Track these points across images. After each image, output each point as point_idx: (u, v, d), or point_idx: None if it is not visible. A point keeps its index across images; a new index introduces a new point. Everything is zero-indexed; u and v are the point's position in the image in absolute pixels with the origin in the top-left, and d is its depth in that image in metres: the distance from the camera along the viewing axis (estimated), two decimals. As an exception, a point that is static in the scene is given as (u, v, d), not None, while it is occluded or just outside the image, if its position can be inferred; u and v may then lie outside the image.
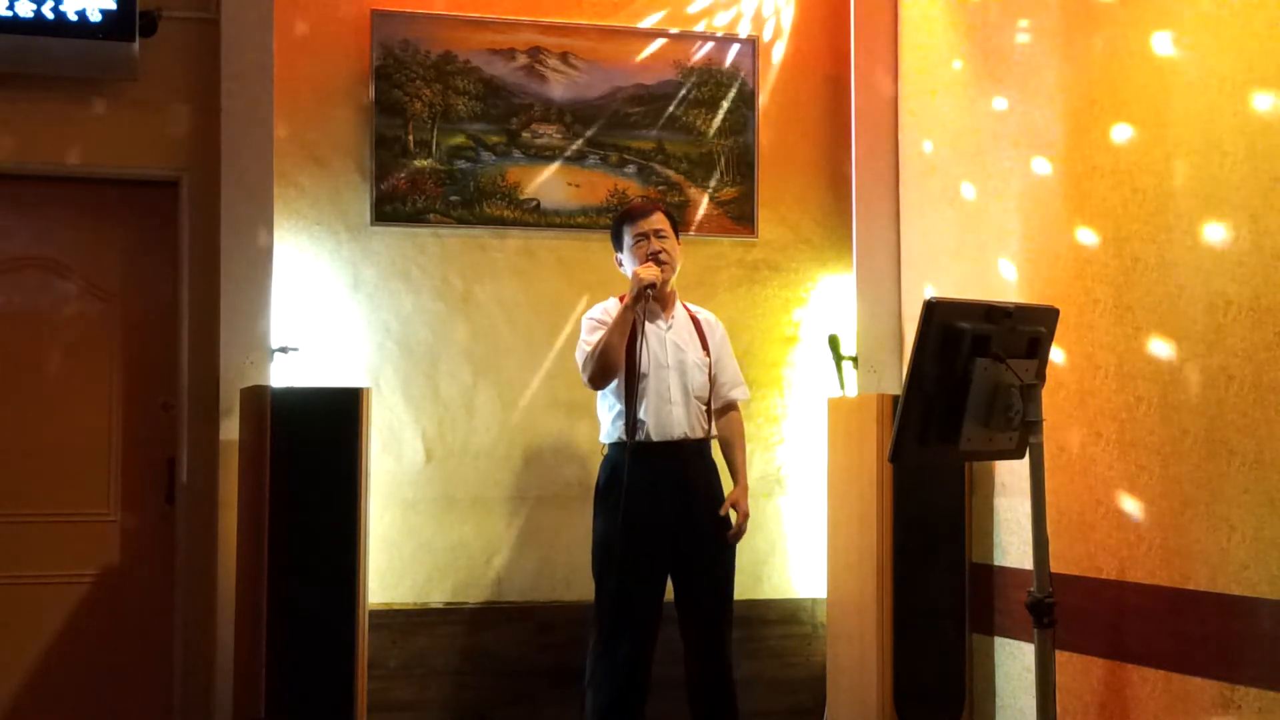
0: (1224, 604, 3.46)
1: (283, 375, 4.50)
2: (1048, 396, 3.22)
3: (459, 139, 4.89)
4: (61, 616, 4.53)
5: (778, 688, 5.01)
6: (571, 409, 4.86)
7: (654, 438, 4.11)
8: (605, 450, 4.22)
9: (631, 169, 5.04)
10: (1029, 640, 3.69)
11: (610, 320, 4.11)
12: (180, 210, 4.59)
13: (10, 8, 4.27)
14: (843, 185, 5.13)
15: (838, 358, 5.01)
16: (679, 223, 4.42)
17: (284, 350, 4.53)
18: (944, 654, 4.49)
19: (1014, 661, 4.40)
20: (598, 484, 4.21)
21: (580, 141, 4.99)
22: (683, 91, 5.09)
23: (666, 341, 4.19)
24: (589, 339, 4.13)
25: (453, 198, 4.87)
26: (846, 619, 4.63)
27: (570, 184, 4.98)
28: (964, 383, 2.97)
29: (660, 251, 4.15)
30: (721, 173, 5.12)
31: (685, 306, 4.34)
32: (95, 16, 4.33)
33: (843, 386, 5.00)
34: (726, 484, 4.26)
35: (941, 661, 4.49)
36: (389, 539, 4.74)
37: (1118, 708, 3.83)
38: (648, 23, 5.09)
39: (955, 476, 4.53)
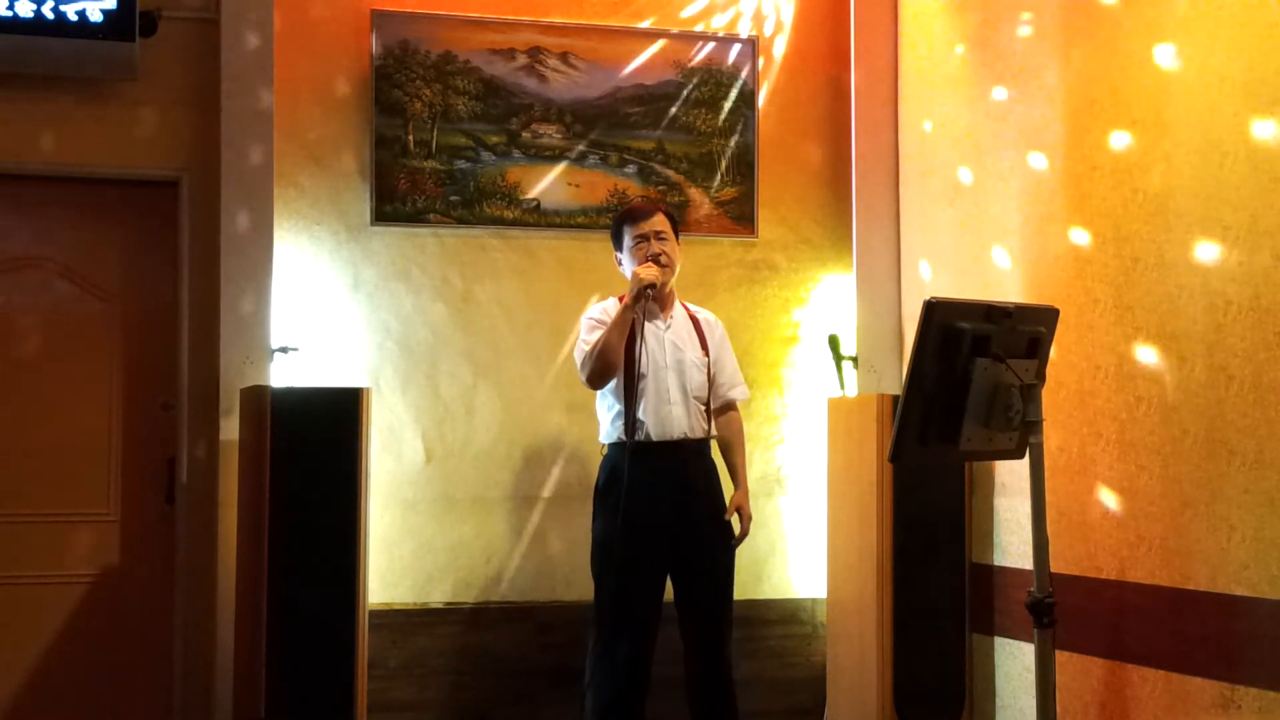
0: (1224, 604, 3.46)
1: (283, 375, 4.50)
2: (1048, 396, 3.22)
3: (459, 139, 4.89)
4: (61, 616, 4.53)
5: (778, 688, 5.01)
6: (571, 409, 4.86)
7: (653, 437, 4.11)
8: (605, 450, 4.22)
9: (631, 169, 5.04)
10: (1029, 640, 3.69)
11: (609, 320, 4.11)
12: (180, 210, 4.59)
13: (10, 8, 4.28)
14: (843, 185, 5.13)
15: (838, 358, 5.01)
16: (679, 223, 4.42)
17: (284, 350, 4.53)
18: (944, 654, 4.49)
19: (1014, 661, 4.40)
20: (597, 484, 4.21)
21: (580, 141, 4.99)
22: (683, 91, 5.09)
23: (665, 341, 4.19)
24: (588, 338, 4.13)
25: (453, 198, 4.87)
26: (846, 619, 4.63)
27: (570, 184, 4.98)
28: (964, 383, 2.97)
29: (660, 254, 4.15)
30: (721, 173, 5.12)
31: (685, 306, 4.34)
32: (95, 16, 4.33)
33: (843, 386, 5.00)
34: (726, 484, 4.26)
35: (941, 661, 4.49)
36: (389, 539, 4.74)
37: (1118, 708, 3.83)
38: (648, 23, 5.09)
39: (955, 476, 4.53)
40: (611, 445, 4.18)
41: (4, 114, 4.46)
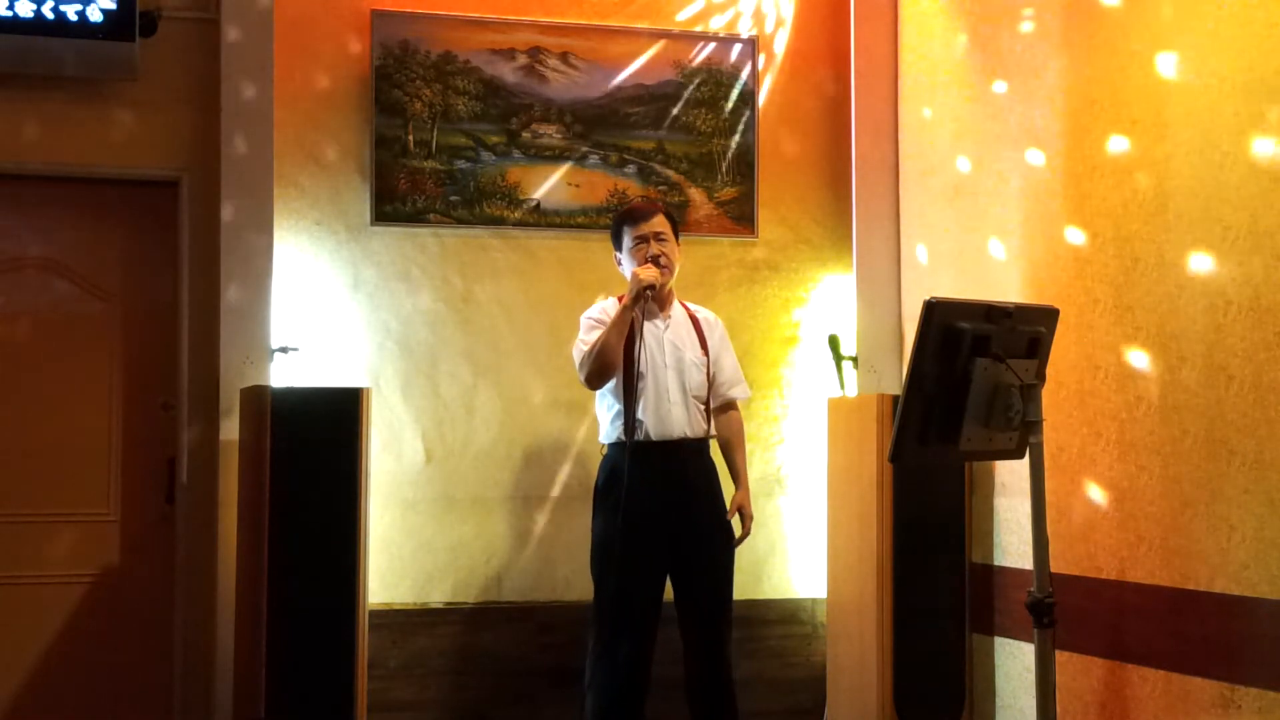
0: (1224, 604, 3.46)
1: (283, 375, 4.50)
2: (1048, 396, 3.22)
3: (459, 139, 4.89)
4: (61, 616, 4.53)
5: (778, 688, 5.01)
6: (571, 409, 4.86)
7: (653, 437, 4.10)
8: (604, 450, 4.22)
9: (631, 169, 5.04)
10: (1029, 640, 3.69)
11: (608, 320, 4.10)
12: (180, 210, 4.59)
13: (10, 8, 4.28)
14: (843, 185, 5.13)
15: (838, 358, 5.01)
16: (679, 223, 4.42)
17: (284, 350, 4.53)
18: (944, 654, 4.49)
19: (1014, 661, 4.40)
20: (597, 484, 4.21)
21: (580, 141, 4.99)
22: (683, 91, 5.09)
23: (664, 341, 4.19)
24: (586, 338, 4.13)
25: (453, 198, 4.87)
26: (846, 619, 4.63)
27: (570, 184, 4.98)
28: (964, 383, 2.97)
29: (660, 255, 4.15)
30: (721, 173, 5.12)
31: (684, 305, 4.34)
32: (95, 16, 4.33)
33: (843, 386, 5.00)
34: (726, 483, 4.26)
35: (941, 661, 4.49)
36: (389, 539, 4.74)
37: (1118, 708, 3.83)
38: (648, 23, 5.08)
39: (955, 476, 4.53)
40: (611, 445, 4.18)
41: (4, 114, 4.46)
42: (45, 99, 4.47)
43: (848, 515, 4.63)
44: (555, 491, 4.89)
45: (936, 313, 2.95)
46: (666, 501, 4.09)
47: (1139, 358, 3.79)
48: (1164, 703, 3.65)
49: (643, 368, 4.11)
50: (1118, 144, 3.89)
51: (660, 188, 5.05)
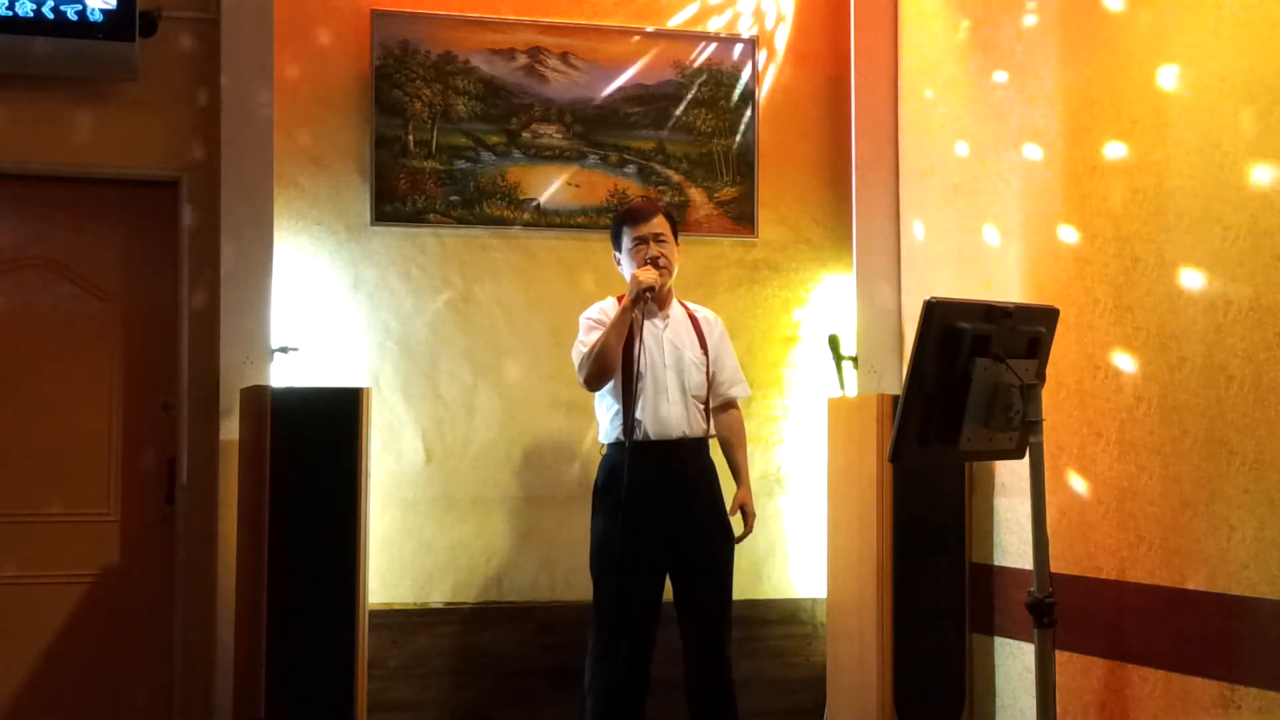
0: (1224, 604, 3.46)
1: (283, 375, 4.50)
2: (1048, 396, 3.22)
3: (459, 139, 4.89)
4: (61, 616, 4.53)
5: (778, 688, 5.01)
6: (571, 409, 4.86)
7: (652, 437, 4.10)
8: (604, 450, 4.22)
9: (631, 169, 5.04)
10: (1029, 640, 3.69)
11: (607, 321, 4.10)
12: (180, 210, 4.59)
13: (10, 8, 4.27)
14: (843, 185, 5.13)
15: (838, 358, 5.01)
16: (679, 223, 4.42)
17: (284, 350, 4.53)
18: (944, 654, 4.49)
19: (1014, 661, 4.40)
20: (596, 484, 4.21)
21: (580, 141, 4.99)
22: (683, 91, 5.09)
23: (664, 341, 4.19)
24: (586, 339, 4.13)
25: (453, 198, 4.87)
26: (846, 619, 4.63)
27: (570, 184, 4.98)
28: (964, 383, 2.97)
29: (659, 257, 4.15)
30: (721, 173, 5.12)
31: (684, 305, 4.34)
32: (95, 16, 4.33)
33: (843, 386, 5.00)
34: (725, 483, 4.26)
35: (941, 661, 4.49)
36: (389, 539, 4.74)
37: (1118, 708, 3.83)
38: (648, 23, 5.08)
39: (955, 476, 4.53)
40: (610, 445, 4.18)
41: (4, 114, 4.46)
42: (45, 99, 4.47)
43: (848, 515, 4.63)
44: (555, 491, 4.89)
45: (936, 313, 2.95)
46: (666, 501, 4.09)
47: (1139, 358, 3.79)
48: (1164, 703, 3.65)
49: (642, 368, 4.11)
50: (1118, 144, 3.89)
51: (660, 188, 5.05)
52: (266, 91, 4.56)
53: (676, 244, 4.26)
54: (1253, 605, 3.37)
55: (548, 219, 4.95)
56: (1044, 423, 3.03)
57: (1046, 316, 3.21)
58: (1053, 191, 4.18)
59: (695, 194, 5.10)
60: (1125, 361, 3.84)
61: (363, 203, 4.80)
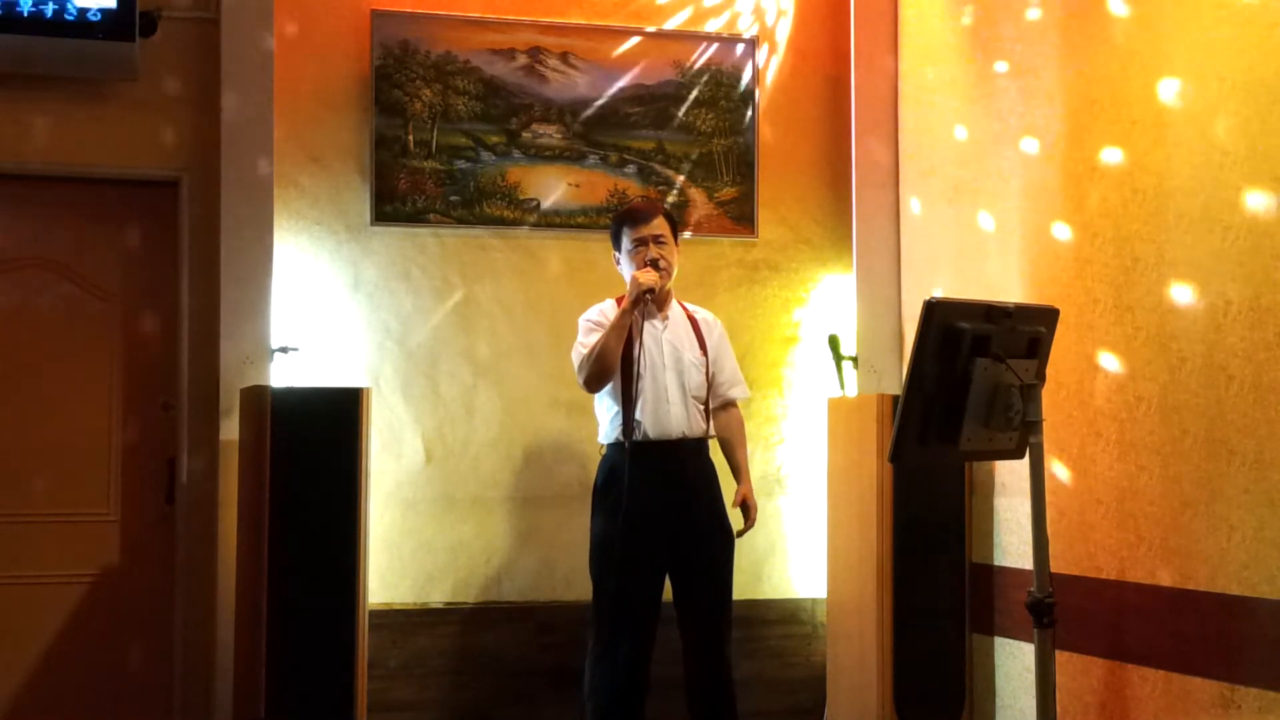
0: (1224, 604, 3.46)
1: (283, 375, 4.50)
2: (1048, 396, 3.22)
3: (459, 139, 4.89)
4: (61, 616, 4.53)
5: (778, 688, 5.01)
6: (571, 409, 4.86)
7: (651, 437, 4.10)
8: (603, 450, 4.22)
9: (631, 169, 5.04)
10: (1029, 640, 3.69)
11: (607, 322, 4.10)
12: (180, 210, 4.59)
13: (10, 8, 4.27)
14: (843, 185, 5.13)
15: (838, 358, 5.01)
16: (679, 223, 4.42)
17: (284, 350, 4.53)
18: (944, 654, 4.49)
19: (1014, 661, 4.40)
20: (596, 484, 4.21)
21: (580, 141, 4.99)
22: (683, 91, 5.09)
23: (663, 342, 4.19)
24: (585, 341, 4.13)
25: (453, 198, 4.87)
26: (846, 619, 4.63)
27: (570, 184, 4.98)
28: (964, 383, 2.97)
29: (659, 258, 4.15)
30: (721, 173, 5.12)
31: (683, 306, 4.34)
32: (95, 16, 4.32)
33: (843, 386, 5.00)
34: (725, 483, 4.26)
35: (941, 661, 4.49)
36: (389, 539, 4.74)
37: (1118, 708, 3.83)
38: (648, 23, 5.08)
39: (955, 476, 4.53)
40: (610, 445, 4.18)
41: (4, 114, 4.46)
42: (45, 99, 4.47)
43: (848, 515, 4.63)
44: (555, 491, 4.89)
45: (936, 313, 2.95)
46: (666, 501, 4.09)
47: (1139, 358, 3.78)
48: (1164, 703, 3.65)
49: (642, 368, 4.10)
50: (1118, 144, 3.89)
51: (660, 188, 5.05)
52: (266, 92, 4.56)
53: (676, 244, 4.25)
54: (1253, 605, 3.37)
55: (548, 219, 4.95)
56: (1044, 423, 3.03)
57: (1046, 316, 3.21)
58: (1053, 191, 4.18)
59: (695, 194, 5.10)
60: (1125, 361, 3.84)
61: (363, 203, 4.80)
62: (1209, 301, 3.53)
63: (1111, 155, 3.92)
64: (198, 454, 4.53)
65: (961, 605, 4.52)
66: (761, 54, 5.18)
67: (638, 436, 4.09)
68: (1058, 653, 3.42)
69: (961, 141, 4.65)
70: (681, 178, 5.09)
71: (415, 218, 4.83)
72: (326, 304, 4.74)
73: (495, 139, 4.92)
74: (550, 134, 4.97)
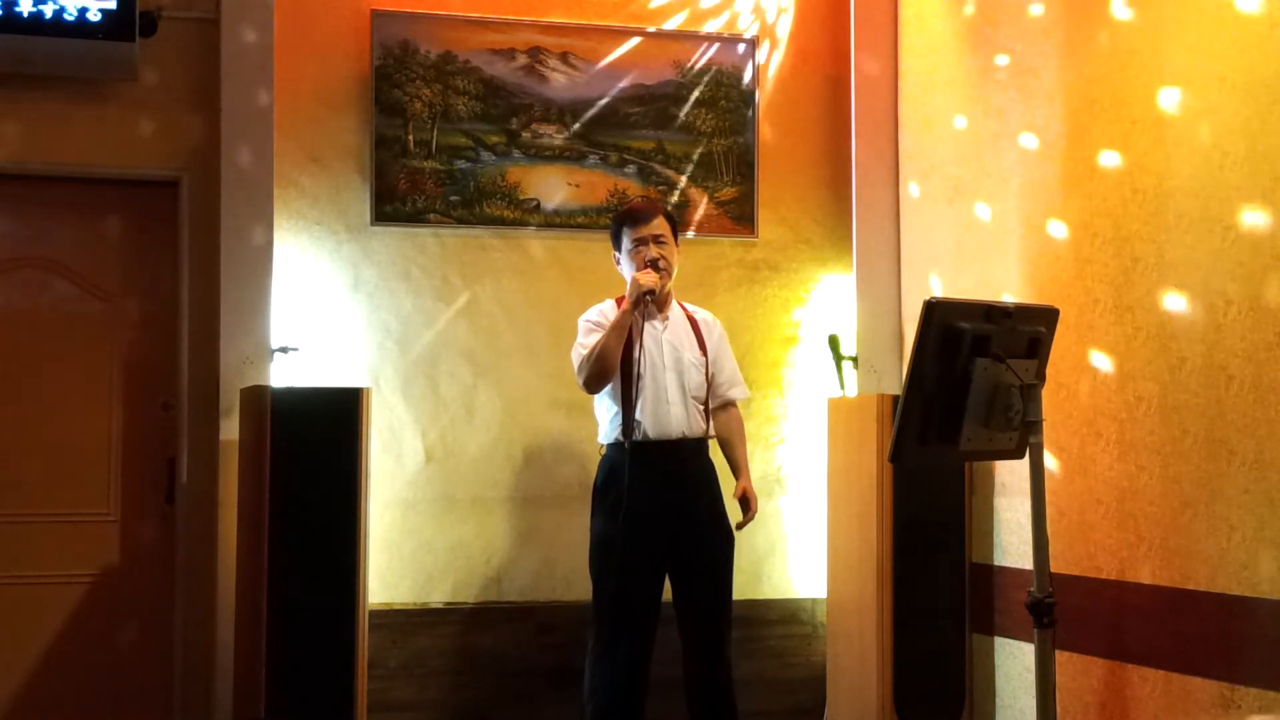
0: (1224, 604, 3.46)
1: (283, 375, 4.50)
2: (1048, 396, 3.22)
3: (459, 139, 4.89)
4: (61, 616, 4.53)
5: (778, 688, 5.01)
6: (571, 409, 4.86)
7: (651, 437, 4.10)
8: (603, 450, 4.22)
9: (631, 169, 5.04)
10: (1029, 640, 3.69)
11: (607, 323, 4.10)
12: (180, 210, 4.59)
13: (10, 8, 4.27)
14: (843, 185, 5.13)
15: (838, 358, 5.01)
16: (679, 223, 4.42)
17: (284, 350, 4.53)
18: (944, 654, 4.49)
19: (1014, 661, 4.40)
20: (595, 484, 4.20)
21: (580, 141, 4.99)
22: (683, 91, 5.09)
23: (663, 342, 4.19)
24: (585, 341, 4.13)
25: (453, 198, 4.87)
26: (846, 619, 4.63)
27: (570, 184, 4.98)
28: (964, 383, 2.97)
29: (659, 258, 4.15)
30: (721, 173, 5.12)
31: (682, 306, 4.34)
32: (95, 16, 4.33)
33: (843, 386, 5.00)
34: (725, 483, 4.25)
35: (941, 661, 4.49)
36: (389, 539, 4.74)
37: (1118, 708, 3.83)
38: (648, 23, 5.08)
39: (955, 476, 4.53)
40: (610, 445, 4.18)
41: (4, 114, 4.46)
42: (45, 99, 4.47)
43: (848, 515, 4.63)
44: (555, 491, 4.89)
45: (936, 313, 2.95)
46: (666, 501, 4.09)
47: (1139, 358, 3.78)
48: (1164, 703, 3.65)
49: (642, 369, 4.10)
50: (1118, 144, 3.89)
51: (660, 188, 5.05)
52: (266, 91, 4.56)
53: (676, 244, 4.25)
54: (1253, 605, 3.37)
55: (548, 219, 4.95)
56: (1044, 423, 3.03)
57: (1046, 316, 3.21)
58: (1053, 191, 4.18)
59: (695, 194, 5.10)
60: (1126, 361, 3.84)
61: (363, 203, 4.80)
62: (1209, 301, 3.53)
63: (1111, 155, 3.92)
64: (198, 454, 4.53)
65: (961, 605, 4.52)
66: (761, 54, 5.18)
67: (637, 436, 4.09)
68: (1058, 653, 3.42)
69: (962, 141, 4.65)
70: (682, 178, 5.08)
71: (415, 218, 4.84)
72: (326, 304, 4.74)
73: (495, 139, 4.92)
74: (550, 134, 4.97)
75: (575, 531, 4.62)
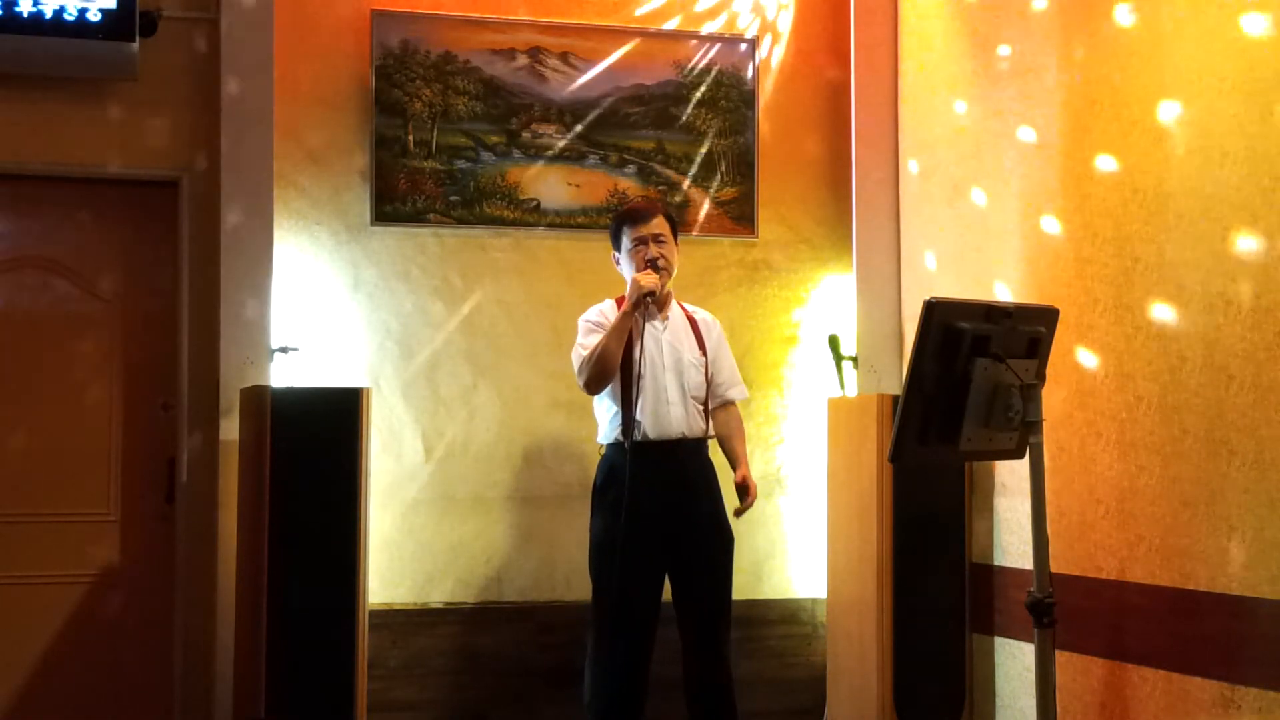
0: (1224, 604, 3.46)
1: (283, 375, 4.50)
2: (1048, 396, 3.22)
3: (459, 139, 4.89)
4: (61, 616, 4.53)
5: (778, 688, 5.01)
6: (571, 409, 4.86)
7: (651, 437, 4.10)
8: (602, 450, 4.22)
9: (631, 169, 5.04)
10: (1029, 640, 3.69)
11: (607, 323, 4.10)
12: (180, 210, 4.59)
13: (10, 8, 4.27)
14: (843, 185, 5.13)
15: (838, 358, 5.01)
16: (679, 223, 4.42)
17: (284, 350, 4.53)
18: (944, 654, 4.49)
19: (1014, 661, 4.40)
20: (595, 484, 4.21)
21: (580, 141, 4.99)
22: (683, 91, 5.09)
23: (663, 342, 4.19)
24: (585, 342, 4.13)
25: (453, 198, 4.87)
26: (846, 619, 4.63)
27: (570, 184, 4.98)
28: (964, 383, 2.97)
29: (659, 258, 4.15)
30: (721, 173, 5.12)
31: (682, 306, 4.34)
32: (95, 16, 4.33)
33: (843, 386, 5.00)
34: (725, 484, 4.25)
35: (941, 661, 4.49)
36: (389, 539, 4.74)
37: (1118, 708, 3.83)
38: (648, 23, 5.08)
39: (955, 476, 4.53)
40: (609, 445, 4.18)
41: (4, 114, 4.45)
42: (45, 99, 4.47)
43: (848, 515, 4.63)
44: (555, 491, 4.89)
45: (936, 313, 2.95)
46: (665, 501, 4.09)
47: (1139, 358, 3.78)
48: (1164, 703, 3.65)
49: (641, 369, 4.10)
50: (1118, 144, 3.89)
51: (660, 188, 5.05)
52: (266, 91, 4.56)
53: (676, 244, 4.25)
54: (1253, 605, 3.37)
55: (548, 219, 4.95)
56: (1044, 423, 3.03)
57: (1046, 316, 3.21)
58: (1053, 191, 4.18)
59: (695, 194, 5.10)
60: (1125, 361, 3.84)
61: (363, 203, 4.81)
62: (1209, 301, 3.53)
63: (1111, 156, 3.92)
64: (198, 454, 4.53)
65: (961, 605, 4.52)
66: (761, 54, 5.18)
67: (637, 436, 4.09)
68: (1058, 653, 3.42)
69: (962, 141, 4.65)
70: (682, 178, 5.08)
71: (415, 218, 4.84)
72: (326, 304, 4.74)
73: (495, 139, 4.92)
74: (550, 134, 4.97)
75: (575, 531, 4.62)
